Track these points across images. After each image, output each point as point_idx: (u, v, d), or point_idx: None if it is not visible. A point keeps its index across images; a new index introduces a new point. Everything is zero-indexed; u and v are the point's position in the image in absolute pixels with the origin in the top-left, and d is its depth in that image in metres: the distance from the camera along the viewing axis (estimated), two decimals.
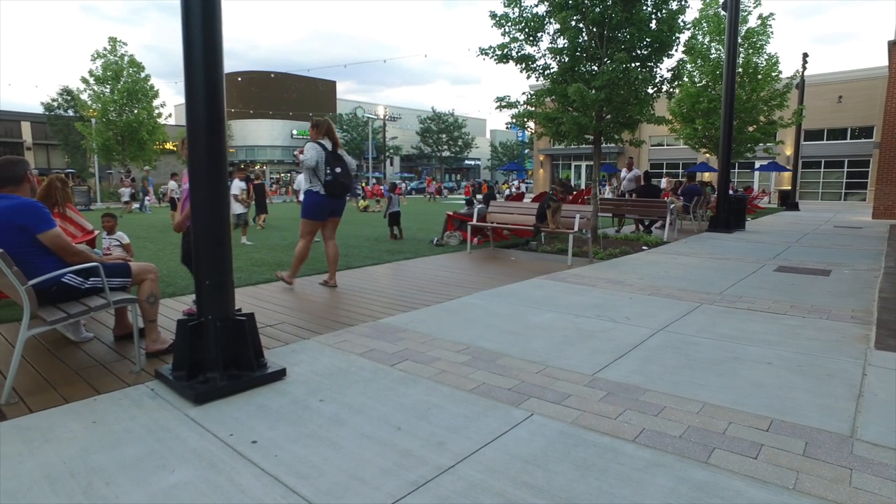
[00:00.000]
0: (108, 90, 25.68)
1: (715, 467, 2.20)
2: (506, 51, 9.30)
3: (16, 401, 2.87)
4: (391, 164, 55.40)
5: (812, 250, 8.94)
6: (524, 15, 9.19)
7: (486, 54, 9.35)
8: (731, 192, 13.57)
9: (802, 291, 5.62)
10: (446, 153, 57.84)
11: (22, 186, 3.30)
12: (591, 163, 13.71)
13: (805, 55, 21.99)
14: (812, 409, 2.76)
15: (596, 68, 9.18)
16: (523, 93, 9.82)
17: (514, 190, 31.74)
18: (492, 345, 3.79)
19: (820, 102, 30.14)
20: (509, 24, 9.21)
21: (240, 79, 54.65)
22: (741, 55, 16.31)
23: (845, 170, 31.72)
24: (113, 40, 25.69)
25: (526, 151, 56.39)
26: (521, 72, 9.55)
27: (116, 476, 2.13)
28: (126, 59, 25.95)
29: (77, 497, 2.00)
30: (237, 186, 12.39)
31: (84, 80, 25.75)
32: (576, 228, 7.50)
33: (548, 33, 9.38)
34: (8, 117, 40.82)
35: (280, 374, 3.14)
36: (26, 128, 41.35)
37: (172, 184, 18.48)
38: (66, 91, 37.07)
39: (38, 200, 3.49)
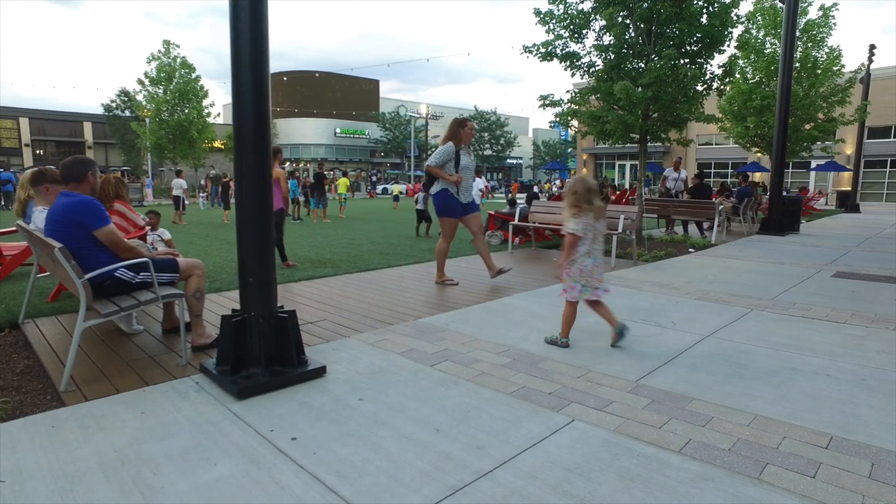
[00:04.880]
0: (161, 91, 26.79)
1: (768, 485, 2.09)
2: (550, 48, 9.16)
3: (73, 388, 3.00)
4: None
5: (875, 255, 8.44)
6: (569, 12, 9.03)
7: (530, 52, 9.24)
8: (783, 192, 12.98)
9: (865, 299, 5.30)
10: (488, 152, 57.62)
11: (82, 185, 3.47)
12: (636, 162, 13.36)
13: (872, 47, 20.78)
14: (879, 427, 2.57)
15: (643, 65, 8.94)
16: (567, 91, 9.69)
17: (556, 189, 31.25)
18: (533, 347, 3.73)
19: (888, 97, 28.39)
20: (554, 21, 9.07)
21: (285, 78, 55.94)
22: (799, 49, 15.55)
23: None
24: (167, 43, 26.81)
25: (569, 150, 55.55)
26: (565, 70, 9.39)
27: (163, 466, 2.19)
28: (178, 60, 27.01)
29: (127, 485, 2.06)
30: (178, 185, 16.28)
31: (140, 82, 26.96)
32: (620, 229, 7.31)
33: (593, 30, 9.20)
34: (72, 118, 43.12)
35: (321, 372, 3.17)
36: (88, 128, 43.57)
37: (179, 182, 16.74)
38: (124, 92, 38.86)
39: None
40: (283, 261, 7.07)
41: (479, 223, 6.02)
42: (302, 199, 16.51)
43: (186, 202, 16.47)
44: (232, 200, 15.79)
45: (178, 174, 18.11)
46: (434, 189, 5.80)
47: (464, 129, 5.72)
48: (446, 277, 5.98)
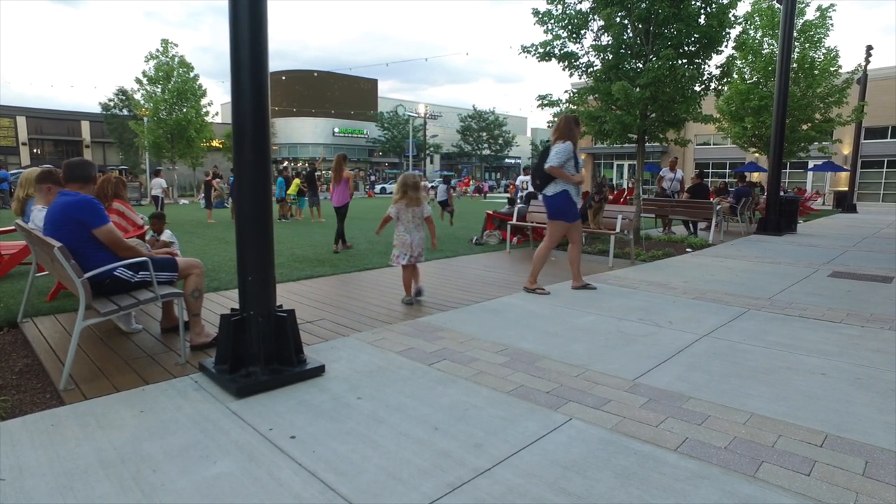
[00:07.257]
0: (159, 90, 26.76)
1: (763, 482, 2.10)
2: (548, 49, 9.18)
3: (72, 387, 3.01)
4: (431, 162, 55.61)
5: (871, 255, 8.47)
6: (567, 12, 9.06)
7: (529, 52, 9.25)
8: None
9: (861, 299, 5.33)
10: (486, 151, 57.62)
11: (88, 186, 3.51)
12: (634, 162, 13.40)
13: (869, 47, 20.88)
14: (874, 425, 2.60)
15: (641, 66, 8.96)
16: (566, 91, 9.72)
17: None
18: (531, 346, 3.75)
19: (886, 97, 28.39)
20: (552, 21, 9.09)
21: (284, 77, 55.83)
22: (796, 49, 15.60)
23: None
24: (165, 42, 26.80)
25: None
26: (563, 70, 9.41)
27: (163, 464, 2.20)
28: (176, 59, 26.98)
29: (127, 482, 2.07)
30: (157, 185, 16.48)
31: (138, 81, 26.94)
32: (617, 229, 7.34)
33: (591, 30, 9.22)
34: (70, 117, 42.99)
35: (319, 371, 3.19)
36: (85, 127, 43.41)
37: (159, 181, 16.73)
38: (122, 91, 38.76)
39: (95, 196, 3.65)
40: (343, 243, 8.63)
41: (581, 231, 5.70)
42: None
43: (165, 201, 16.45)
44: (231, 199, 16.01)
45: (157, 174, 17.90)
46: (550, 191, 5.35)
47: (578, 127, 5.47)
48: (537, 286, 5.46)
